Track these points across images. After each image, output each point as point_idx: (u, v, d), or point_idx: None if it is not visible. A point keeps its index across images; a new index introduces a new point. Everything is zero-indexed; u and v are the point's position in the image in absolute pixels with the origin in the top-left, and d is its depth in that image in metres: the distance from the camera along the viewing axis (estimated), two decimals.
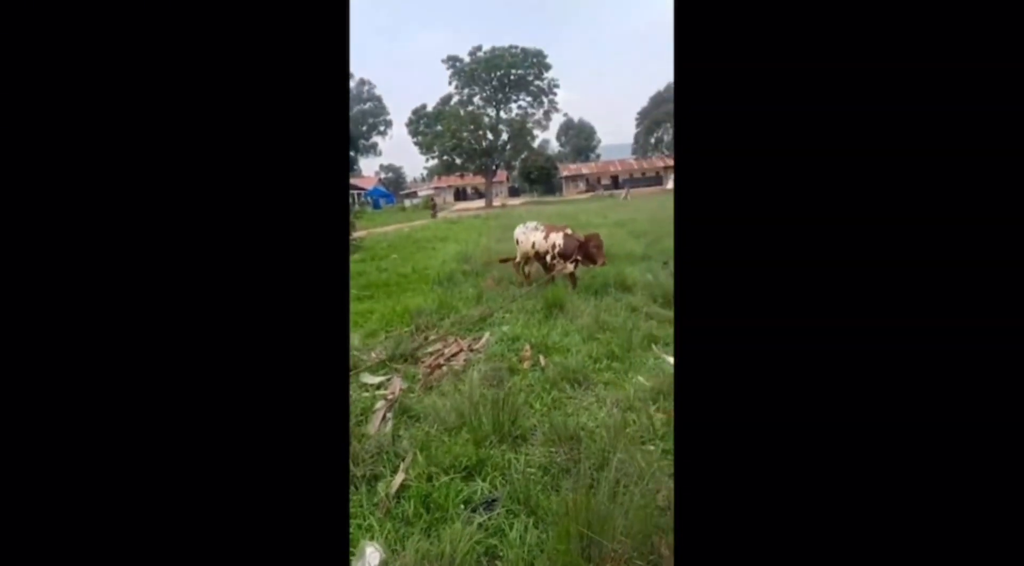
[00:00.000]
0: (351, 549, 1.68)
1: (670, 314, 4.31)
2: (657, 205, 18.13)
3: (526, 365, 3.36)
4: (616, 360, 3.36)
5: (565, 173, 46.89)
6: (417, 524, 1.82)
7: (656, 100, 43.43)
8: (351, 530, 1.78)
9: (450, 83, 35.44)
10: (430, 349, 3.82)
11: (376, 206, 37.24)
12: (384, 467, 2.21)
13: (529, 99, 35.54)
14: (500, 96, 35.38)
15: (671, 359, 3.31)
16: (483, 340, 3.94)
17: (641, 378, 3.01)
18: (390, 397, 2.94)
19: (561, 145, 58.39)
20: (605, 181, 45.87)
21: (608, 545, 1.57)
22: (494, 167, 36.43)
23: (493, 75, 34.33)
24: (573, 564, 1.54)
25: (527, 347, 3.65)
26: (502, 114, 35.73)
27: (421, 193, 45.22)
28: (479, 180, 39.10)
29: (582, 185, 46.49)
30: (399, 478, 2.09)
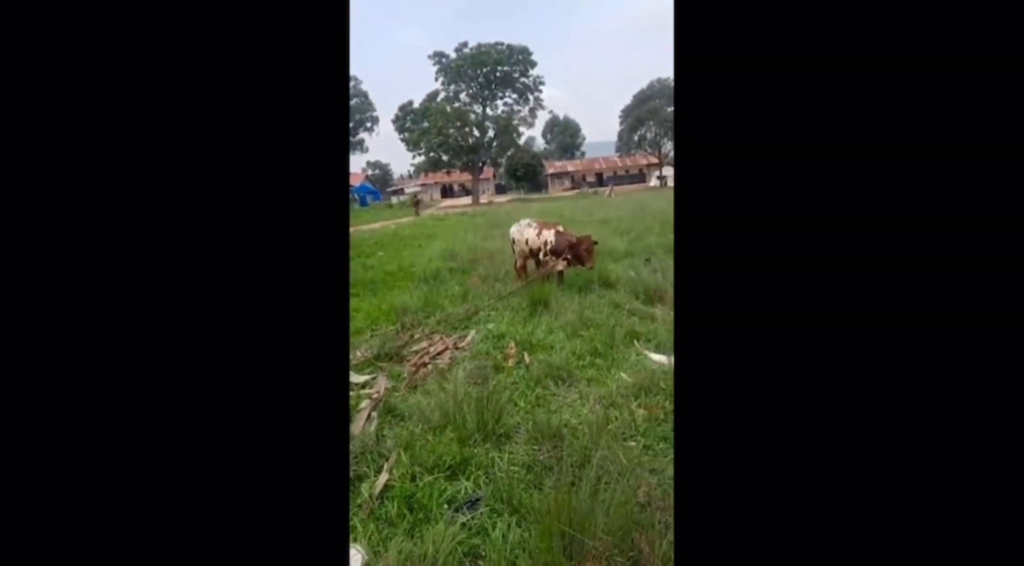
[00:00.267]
0: None
1: (652, 310, 4.36)
2: (640, 202, 18.25)
3: (511, 363, 3.37)
4: (599, 357, 3.39)
5: (551, 170, 47.05)
6: (400, 525, 1.82)
7: (639, 98, 43.52)
8: None
9: (436, 79, 35.33)
10: (415, 347, 3.81)
11: (363, 203, 36.85)
12: (368, 467, 2.21)
13: (515, 96, 35.55)
14: (486, 93, 35.29)
15: (653, 355, 3.35)
16: (468, 338, 3.94)
17: (623, 374, 3.04)
18: (375, 396, 2.92)
19: (547, 142, 58.36)
20: (590, 178, 46.22)
21: (589, 543, 1.59)
22: (481, 164, 36.32)
23: (479, 72, 34.22)
24: (555, 563, 1.55)
25: (512, 345, 3.66)
26: (488, 111, 35.70)
27: (408, 190, 44.75)
28: (466, 177, 39.00)
29: (568, 182, 46.73)
30: (383, 478, 2.09)
